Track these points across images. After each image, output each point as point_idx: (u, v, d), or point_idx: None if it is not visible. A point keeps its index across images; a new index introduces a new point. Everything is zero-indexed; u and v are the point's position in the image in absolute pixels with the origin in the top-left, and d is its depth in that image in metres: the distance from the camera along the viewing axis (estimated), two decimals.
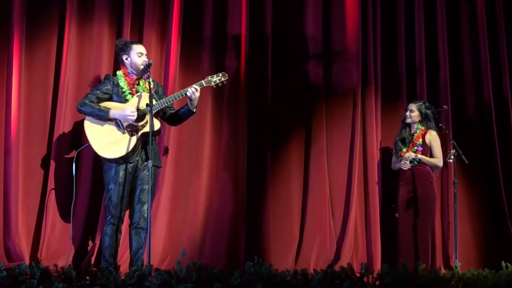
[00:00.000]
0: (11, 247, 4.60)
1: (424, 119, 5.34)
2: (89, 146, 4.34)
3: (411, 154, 5.23)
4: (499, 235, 5.80)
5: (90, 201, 4.85)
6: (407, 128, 5.42)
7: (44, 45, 4.93)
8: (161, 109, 4.37)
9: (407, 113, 5.38)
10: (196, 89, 4.36)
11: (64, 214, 4.73)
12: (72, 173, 4.58)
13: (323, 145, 5.62)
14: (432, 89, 5.96)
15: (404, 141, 5.37)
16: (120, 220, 4.32)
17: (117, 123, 4.29)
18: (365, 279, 3.28)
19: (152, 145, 4.19)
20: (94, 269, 3.40)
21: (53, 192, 4.74)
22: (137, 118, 4.26)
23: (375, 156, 5.67)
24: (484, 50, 6.11)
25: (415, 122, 5.36)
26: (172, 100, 4.36)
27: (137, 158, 4.32)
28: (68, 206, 4.64)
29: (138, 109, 4.29)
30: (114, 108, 4.30)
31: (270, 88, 5.51)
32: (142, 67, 4.39)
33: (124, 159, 4.25)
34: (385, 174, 5.66)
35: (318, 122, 5.65)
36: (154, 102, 4.20)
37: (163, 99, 4.36)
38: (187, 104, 4.46)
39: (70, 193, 4.62)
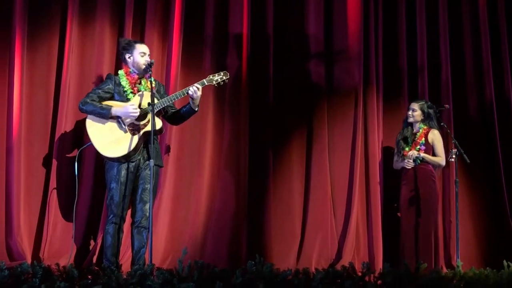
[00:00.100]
0: (13, 246, 4.60)
1: (426, 118, 5.34)
2: (91, 145, 4.34)
3: (414, 152, 5.23)
4: (501, 234, 5.80)
5: (92, 200, 4.85)
6: (409, 127, 5.41)
7: (45, 45, 4.92)
8: (163, 108, 4.37)
9: (409, 112, 5.38)
10: (198, 88, 4.35)
11: (66, 213, 4.74)
12: (74, 172, 4.59)
13: (325, 144, 5.62)
14: (433, 89, 5.96)
15: (406, 140, 5.36)
16: (122, 219, 4.31)
17: (119, 122, 4.29)
18: (366, 278, 3.28)
19: (154, 144, 4.19)
20: (96, 268, 3.39)
21: (55, 191, 4.74)
22: (139, 116, 4.26)
23: (376, 155, 5.67)
24: (486, 51, 6.11)
25: (417, 121, 5.36)
26: (174, 99, 4.36)
27: (139, 157, 4.32)
28: (70, 205, 4.64)
29: (140, 108, 4.29)
30: (116, 106, 4.30)
31: (272, 87, 5.51)
32: (144, 66, 4.38)
33: (126, 158, 4.25)
34: (386, 173, 5.66)
35: (319, 121, 5.65)
36: (156, 101, 4.20)
37: (165, 98, 4.35)
38: (188, 103, 4.46)
39: (72, 192, 4.63)
